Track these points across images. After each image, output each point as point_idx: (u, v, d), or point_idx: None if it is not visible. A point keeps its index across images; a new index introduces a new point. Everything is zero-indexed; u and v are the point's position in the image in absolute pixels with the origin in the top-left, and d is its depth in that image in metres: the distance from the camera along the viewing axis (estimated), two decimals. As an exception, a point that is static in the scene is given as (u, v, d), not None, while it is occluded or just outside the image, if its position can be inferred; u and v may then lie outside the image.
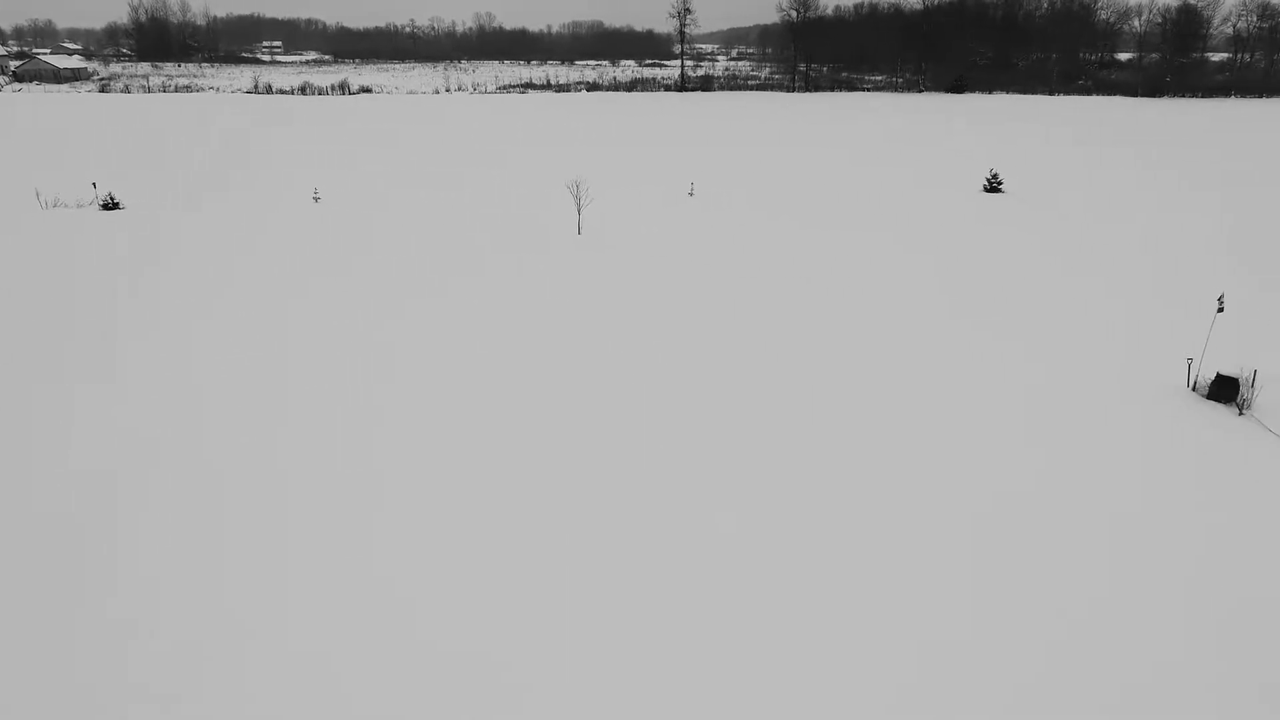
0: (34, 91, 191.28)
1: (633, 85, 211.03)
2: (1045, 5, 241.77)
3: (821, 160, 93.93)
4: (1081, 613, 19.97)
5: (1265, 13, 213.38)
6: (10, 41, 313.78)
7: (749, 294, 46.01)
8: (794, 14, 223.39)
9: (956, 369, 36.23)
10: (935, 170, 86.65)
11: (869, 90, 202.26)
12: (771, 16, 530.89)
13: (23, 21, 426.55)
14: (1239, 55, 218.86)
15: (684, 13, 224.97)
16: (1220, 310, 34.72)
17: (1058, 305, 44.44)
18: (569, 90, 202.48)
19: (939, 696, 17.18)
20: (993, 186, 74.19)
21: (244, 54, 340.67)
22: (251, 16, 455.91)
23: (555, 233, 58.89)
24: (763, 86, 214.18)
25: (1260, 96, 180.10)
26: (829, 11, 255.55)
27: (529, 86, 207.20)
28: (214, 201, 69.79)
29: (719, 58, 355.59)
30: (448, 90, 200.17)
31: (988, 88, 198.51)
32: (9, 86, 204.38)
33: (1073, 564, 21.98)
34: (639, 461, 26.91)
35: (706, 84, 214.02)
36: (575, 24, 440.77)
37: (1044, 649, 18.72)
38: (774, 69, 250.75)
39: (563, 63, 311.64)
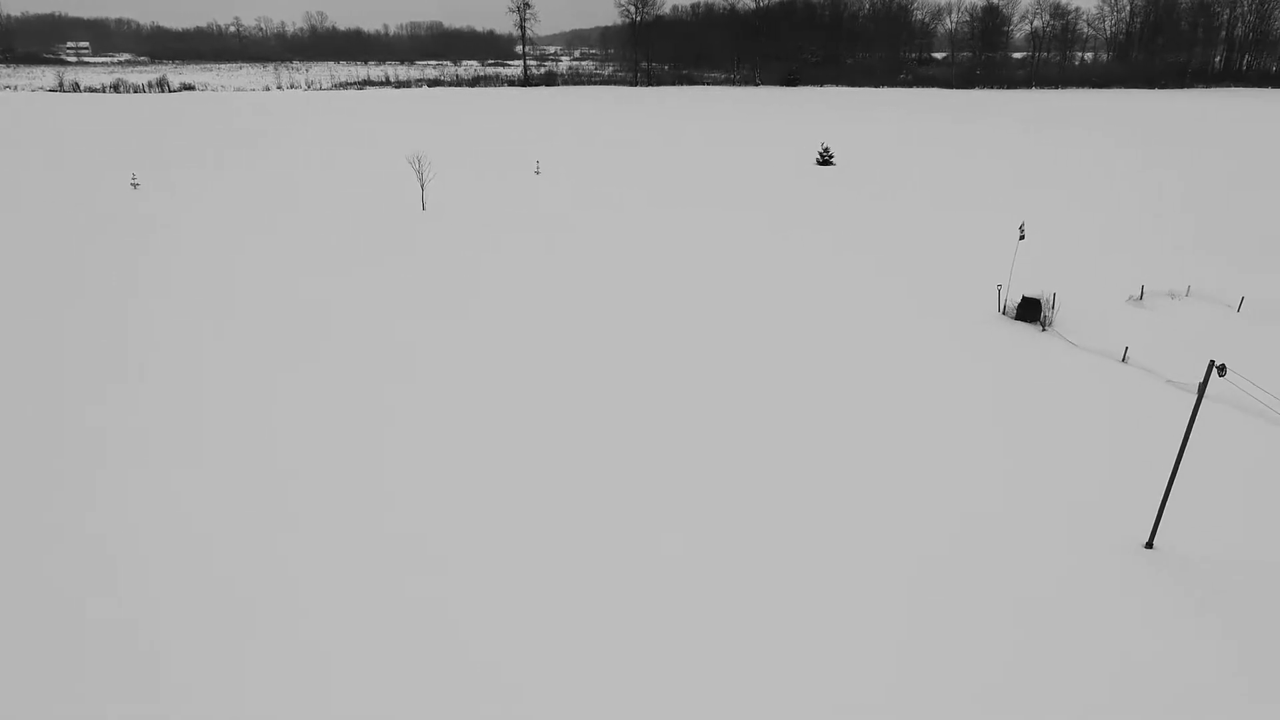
0: None
1: (475, 82, 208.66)
2: (867, 7, 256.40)
3: (668, 141, 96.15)
4: (938, 507, 21.88)
5: (1057, 12, 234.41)
6: None
7: (607, 255, 46.87)
8: (633, 9, 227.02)
9: (810, 306, 38.42)
10: (772, 148, 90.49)
11: (709, 85, 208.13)
12: (612, 18, 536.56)
13: None
14: (1036, 53, 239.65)
15: (523, 7, 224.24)
16: (1022, 238, 38.32)
17: (890, 251, 47.73)
18: (410, 86, 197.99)
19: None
20: (825, 160, 78.37)
21: (46, 55, 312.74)
22: (52, 16, 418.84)
23: (401, 208, 57.85)
24: (607, 82, 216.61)
25: (1056, 88, 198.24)
26: (666, 11, 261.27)
27: (367, 83, 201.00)
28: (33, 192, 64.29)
29: (562, 58, 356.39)
30: (279, 88, 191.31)
31: (819, 82, 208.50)
32: None
33: (929, 456, 24.06)
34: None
35: (550, 79, 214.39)
36: (414, 24, 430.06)
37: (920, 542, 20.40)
38: (617, 67, 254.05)
39: (402, 63, 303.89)
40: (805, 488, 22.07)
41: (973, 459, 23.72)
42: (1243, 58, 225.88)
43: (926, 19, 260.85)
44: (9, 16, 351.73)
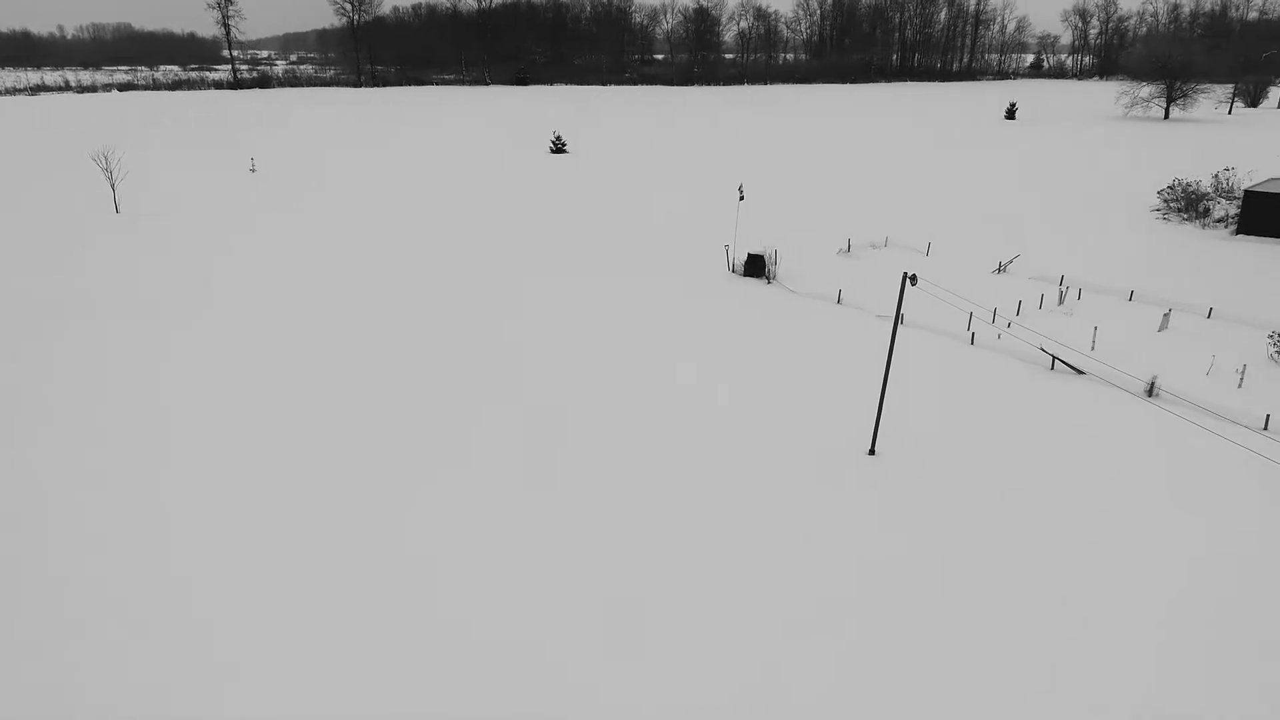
0: None
1: (177, 85, 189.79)
2: (589, 9, 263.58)
3: (400, 138, 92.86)
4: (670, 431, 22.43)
5: (759, 15, 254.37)
6: None
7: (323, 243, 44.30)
8: (349, 6, 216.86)
9: (557, 280, 38.55)
10: (510, 138, 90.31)
11: (438, 85, 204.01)
12: (328, 19, 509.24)
13: None
14: (745, 53, 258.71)
15: (225, 4, 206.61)
16: (741, 199, 40.93)
17: (630, 224, 49.18)
18: (96, 91, 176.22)
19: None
20: (558, 148, 79.40)
21: None
22: None
23: (90, 212, 51.25)
24: (329, 84, 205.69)
25: (765, 84, 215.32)
26: (387, 12, 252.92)
27: (41, 89, 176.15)
28: None
29: (278, 62, 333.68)
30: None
31: (549, 81, 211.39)
32: None
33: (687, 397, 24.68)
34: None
35: (264, 82, 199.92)
36: (96, 26, 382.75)
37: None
38: (339, 70, 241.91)
39: (86, 67, 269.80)
40: (572, 446, 22.03)
41: (713, 392, 24.89)
42: (914, 56, 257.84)
43: (645, 21, 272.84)
44: None
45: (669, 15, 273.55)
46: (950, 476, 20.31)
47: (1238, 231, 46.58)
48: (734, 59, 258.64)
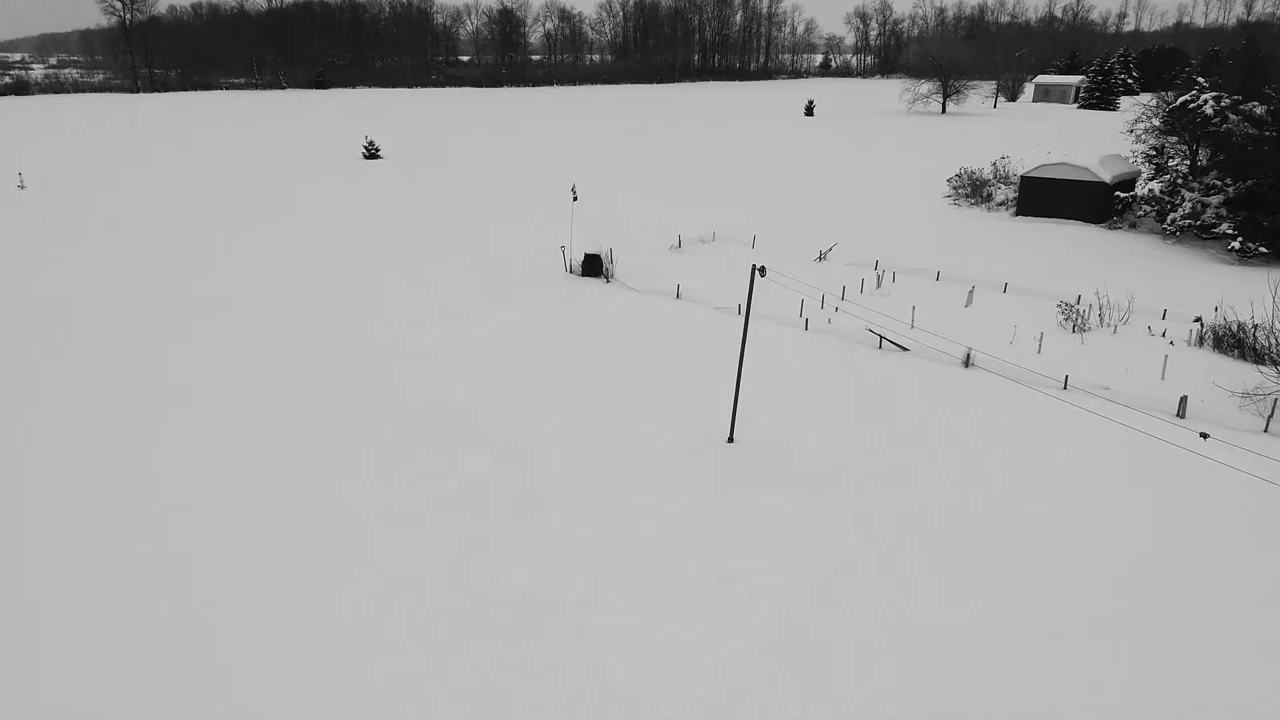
0: None
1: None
2: (388, 9, 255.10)
3: (194, 144, 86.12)
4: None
5: (564, 16, 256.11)
6: None
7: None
8: (119, 4, 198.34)
9: (391, 284, 37.10)
10: (317, 146, 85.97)
11: (228, 90, 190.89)
12: (94, 18, 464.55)
13: None
14: (552, 55, 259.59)
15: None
16: (575, 199, 41.15)
17: (460, 229, 48.19)
18: None
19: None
20: (372, 153, 76.49)
21: None
22: None
23: None
24: (100, 90, 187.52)
25: (573, 84, 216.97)
26: (163, 11, 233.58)
27: None
28: None
29: (34, 65, 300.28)
30: None
31: (350, 84, 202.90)
32: None
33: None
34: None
35: (21, 88, 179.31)
36: None
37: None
38: (110, 74, 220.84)
39: None
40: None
41: (564, 392, 24.94)
42: (714, 57, 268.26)
43: (448, 22, 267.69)
44: None
45: (473, 16, 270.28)
46: (812, 452, 21.42)
47: (1017, 213, 51.93)
48: (541, 60, 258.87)
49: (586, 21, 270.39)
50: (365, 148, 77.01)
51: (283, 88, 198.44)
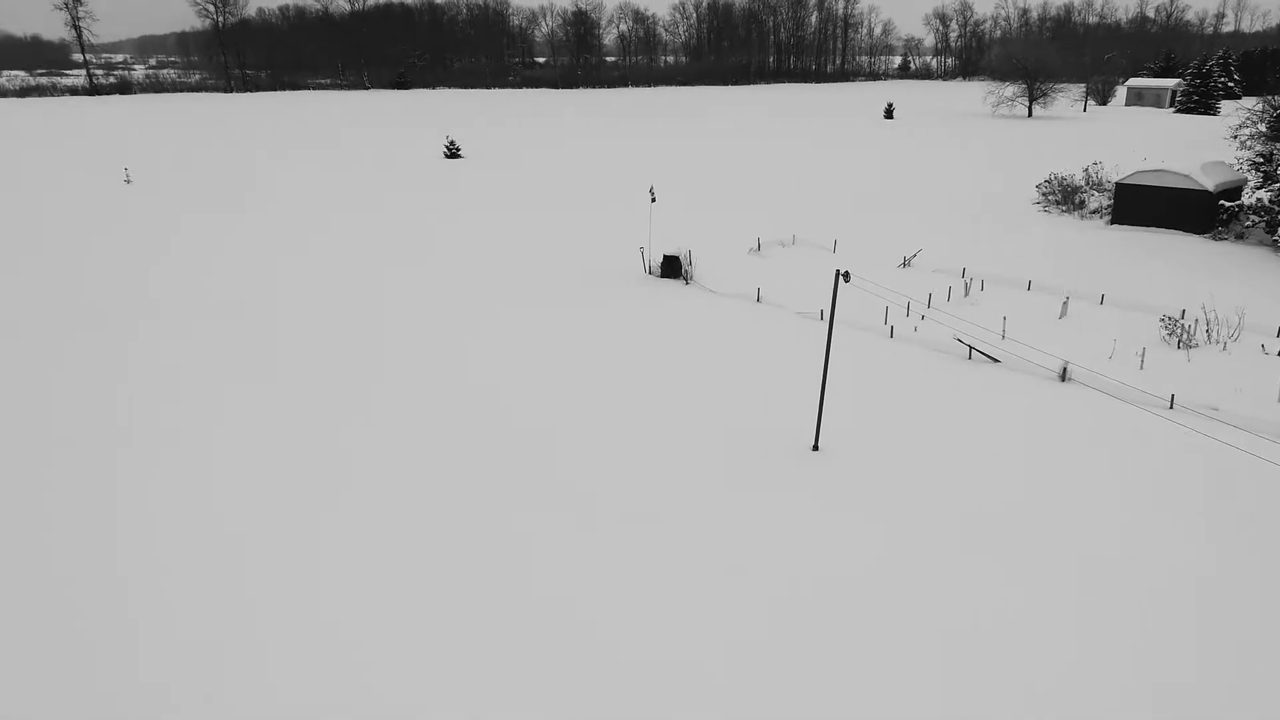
0: None
1: (26, 92, 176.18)
2: (465, 12, 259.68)
3: (281, 142, 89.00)
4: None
5: (638, 17, 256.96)
6: None
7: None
8: (212, 8, 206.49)
9: (479, 282, 37.62)
10: (399, 145, 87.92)
11: (314, 90, 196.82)
12: (189, 21, 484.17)
13: None
14: (627, 56, 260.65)
15: (74, 4, 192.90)
16: (654, 200, 41.03)
17: (536, 231, 48.56)
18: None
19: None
20: (453, 153, 77.80)
21: None
22: None
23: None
24: (196, 90, 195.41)
25: (648, 85, 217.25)
26: (253, 14, 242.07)
27: None
28: None
29: (136, 66, 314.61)
30: None
31: (430, 85, 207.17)
32: None
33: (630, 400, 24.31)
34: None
35: (125, 88, 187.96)
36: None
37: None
38: (205, 75, 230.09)
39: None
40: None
41: (645, 396, 24.77)
42: (789, 58, 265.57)
43: (523, 24, 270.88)
44: None
45: (548, 18, 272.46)
46: (896, 465, 20.83)
47: (1112, 221, 49.90)
48: (616, 61, 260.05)
49: (660, 23, 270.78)
50: (446, 147, 78.34)
51: (366, 88, 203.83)
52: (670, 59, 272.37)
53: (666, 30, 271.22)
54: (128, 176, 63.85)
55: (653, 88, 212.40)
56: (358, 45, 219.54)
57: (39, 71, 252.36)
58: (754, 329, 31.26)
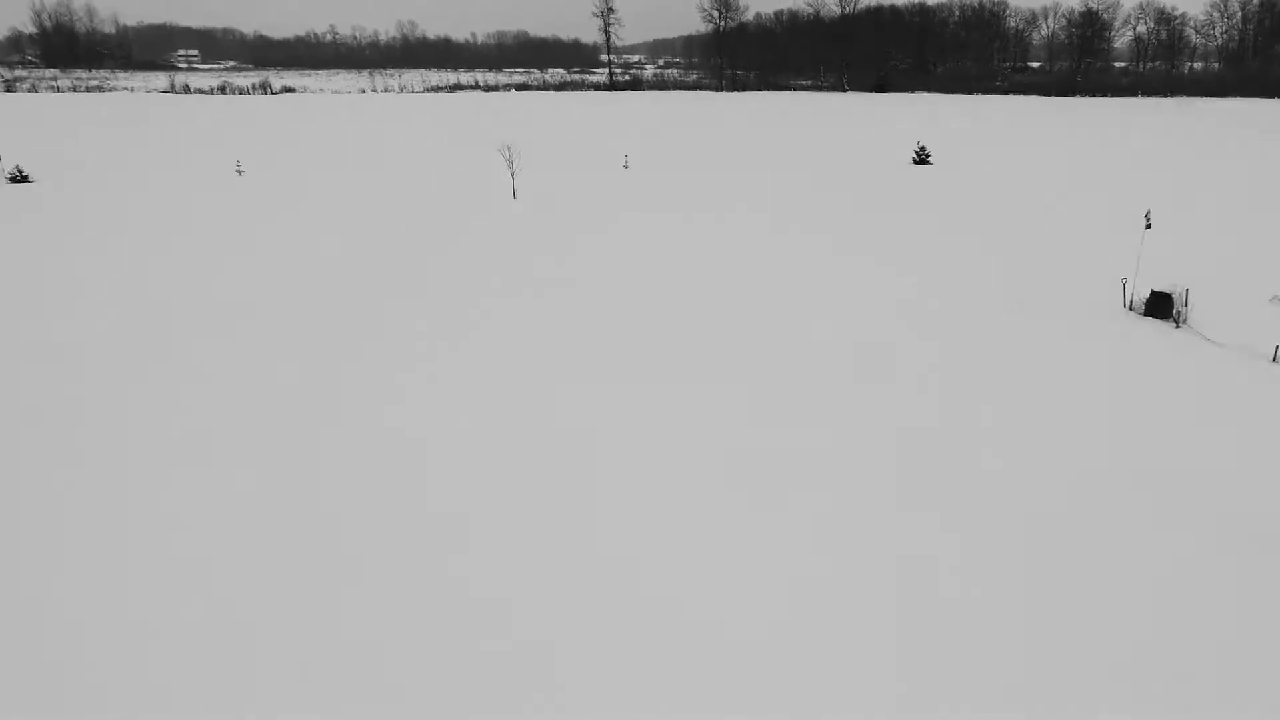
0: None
1: (562, 86, 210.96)
2: (957, 14, 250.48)
3: (755, 139, 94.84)
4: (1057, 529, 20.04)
5: (1161, 17, 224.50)
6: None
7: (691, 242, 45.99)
8: (716, 13, 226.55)
9: (933, 297, 36.74)
10: (868, 147, 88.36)
11: (795, 90, 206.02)
12: (695, 26, 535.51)
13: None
14: (1141, 62, 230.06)
15: (608, 12, 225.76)
16: (1148, 227, 35.75)
17: (1000, 249, 45.49)
18: (498, 90, 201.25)
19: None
20: (921, 159, 75.92)
21: (160, 62, 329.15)
22: (164, 26, 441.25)
23: (493, 197, 58.06)
24: (691, 88, 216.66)
25: (1163, 95, 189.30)
26: (750, 18, 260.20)
27: (457, 87, 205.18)
28: (123, 178, 66.94)
29: (646, 66, 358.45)
30: (374, 91, 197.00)
31: (909, 89, 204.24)
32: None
33: (1060, 468, 22.14)
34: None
35: (635, 84, 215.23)
36: (500, 34, 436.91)
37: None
38: (701, 75, 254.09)
39: (491, 70, 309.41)
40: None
41: (1134, 456, 21.59)
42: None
43: (1021, 25, 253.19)
44: (126, 26, 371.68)
45: (1051, 19, 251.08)
46: None
47: None
48: (1126, 67, 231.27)
49: (1191, 23, 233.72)
50: (916, 153, 76.67)
51: (844, 90, 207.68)
52: (1198, 65, 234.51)
53: (1198, 32, 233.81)
54: (626, 163, 72.91)
55: (1168, 98, 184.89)
56: (841, 48, 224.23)
57: (575, 69, 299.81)
58: (1265, 394, 25.62)
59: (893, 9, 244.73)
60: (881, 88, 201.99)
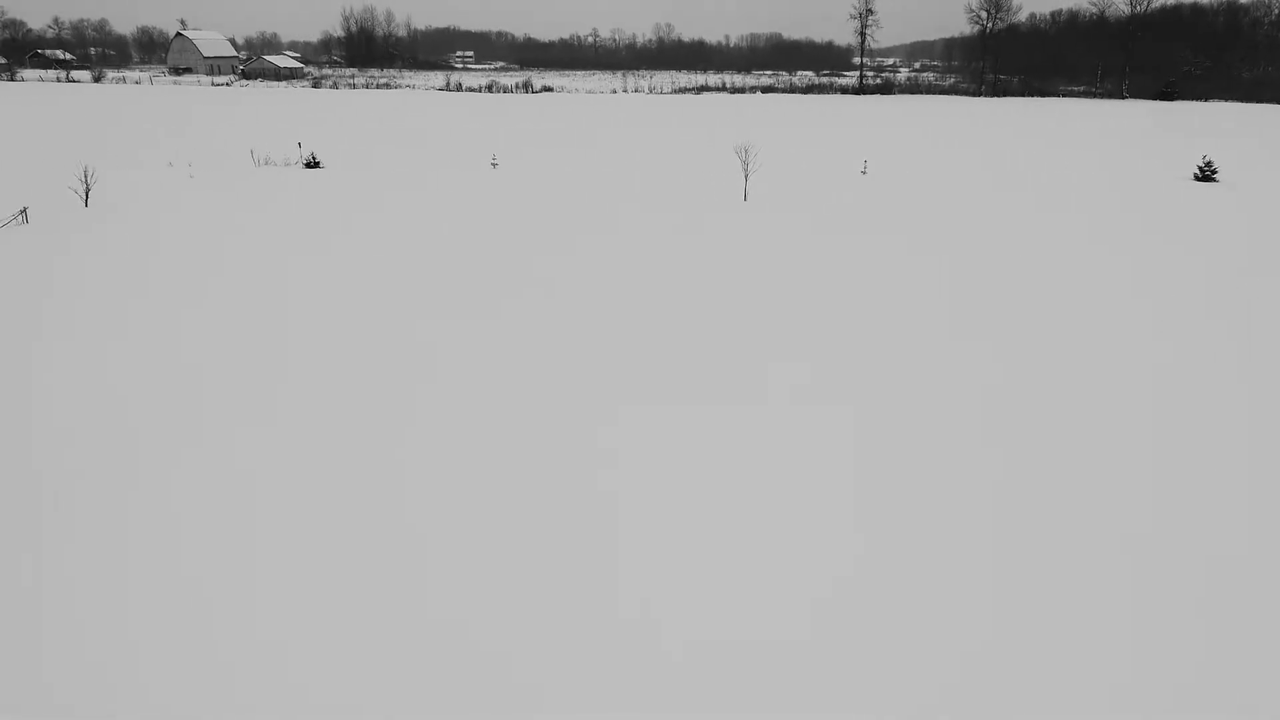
0: (257, 86, 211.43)
1: (809, 89, 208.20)
2: (1276, 13, 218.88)
3: (1009, 149, 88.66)
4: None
5: None
6: (242, 51, 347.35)
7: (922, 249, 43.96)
8: (984, 14, 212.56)
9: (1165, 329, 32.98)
10: (1140, 161, 79.96)
11: (1065, 98, 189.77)
12: (960, 27, 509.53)
13: (253, 34, 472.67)
14: None
15: (865, 14, 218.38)
16: None
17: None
18: (744, 92, 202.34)
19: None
20: (1205, 175, 67.54)
21: (439, 62, 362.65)
22: (448, 29, 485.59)
23: (723, 198, 58.58)
24: (947, 93, 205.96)
25: None
26: (1022, 19, 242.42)
27: (704, 89, 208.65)
28: (399, 164, 74.24)
29: (901, 69, 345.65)
30: (624, 91, 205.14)
31: (1202, 96, 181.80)
32: (237, 82, 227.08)
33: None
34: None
35: (886, 88, 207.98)
36: (753, 36, 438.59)
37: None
38: (959, 78, 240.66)
39: (739, 72, 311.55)
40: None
41: None
42: None
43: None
44: (415, 30, 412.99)
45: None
46: None
47: None
48: None
49: None
50: (1199, 169, 68.33)
51: (1123, 97, 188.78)
52: None
53: None
54: (864, 168, 70.78)
55: None
56: (1127, 51, 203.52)
57: (824, 72, 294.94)
58: None
59: (1194, 7, 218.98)
60: (1168, 95, 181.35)
